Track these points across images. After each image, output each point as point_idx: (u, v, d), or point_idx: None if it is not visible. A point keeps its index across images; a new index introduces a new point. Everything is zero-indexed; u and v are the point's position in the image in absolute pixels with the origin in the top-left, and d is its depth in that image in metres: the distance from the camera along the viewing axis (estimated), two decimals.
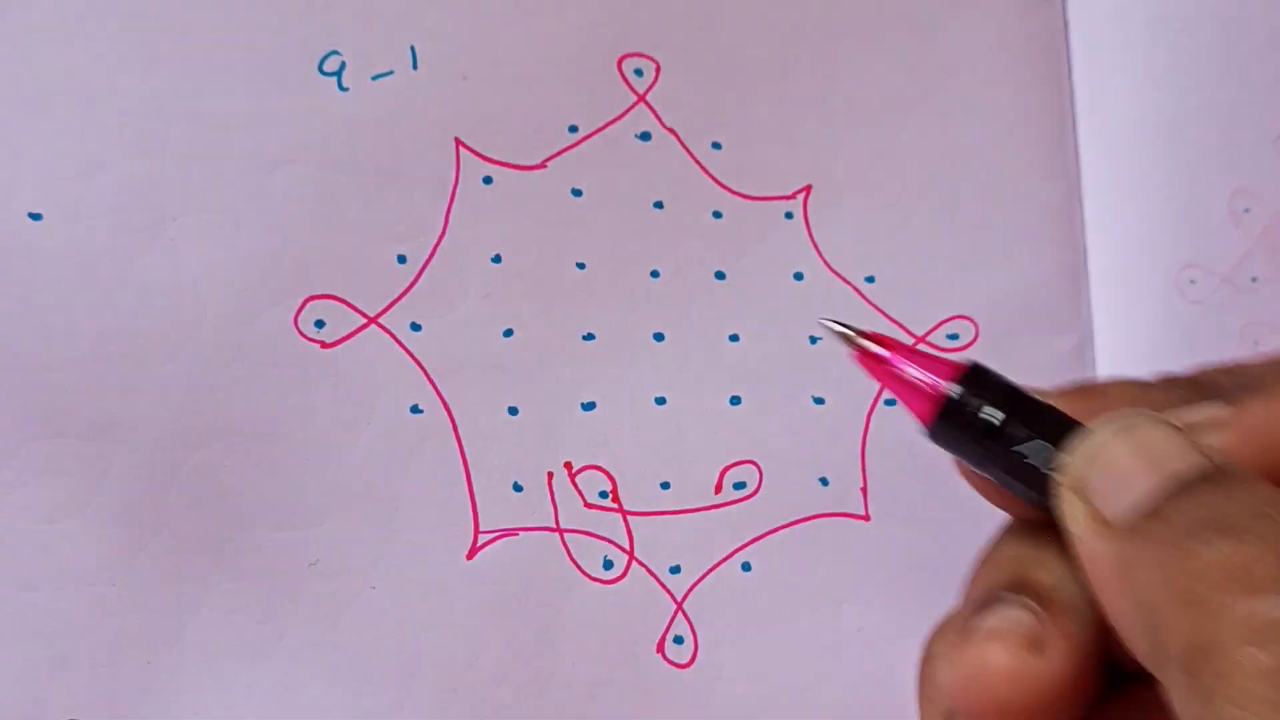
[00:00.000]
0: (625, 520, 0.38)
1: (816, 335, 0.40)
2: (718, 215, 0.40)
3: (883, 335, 0.30)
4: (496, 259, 0.38)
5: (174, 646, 0.34)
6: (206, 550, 0.34)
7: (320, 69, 0.37)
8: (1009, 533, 0.29)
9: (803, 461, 0.39)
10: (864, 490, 0.39)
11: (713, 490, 0.38)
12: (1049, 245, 0.42)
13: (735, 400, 0.39)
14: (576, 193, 0.39)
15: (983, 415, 0.28)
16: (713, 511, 0.38)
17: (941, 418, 0.29)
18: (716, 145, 0.40)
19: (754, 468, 0.39)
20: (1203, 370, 0.30)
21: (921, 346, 0.40)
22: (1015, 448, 0.28)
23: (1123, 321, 0.43)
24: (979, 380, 0.29)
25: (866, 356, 0.30)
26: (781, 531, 0.38)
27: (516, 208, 0.38)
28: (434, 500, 0.36)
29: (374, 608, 0.35)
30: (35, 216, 0.34)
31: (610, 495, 0.38)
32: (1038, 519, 0.28)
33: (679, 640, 0.37)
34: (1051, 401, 0.29)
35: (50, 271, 0.34)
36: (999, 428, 0.28)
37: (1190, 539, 0.23)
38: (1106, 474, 0.26)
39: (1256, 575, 0.22)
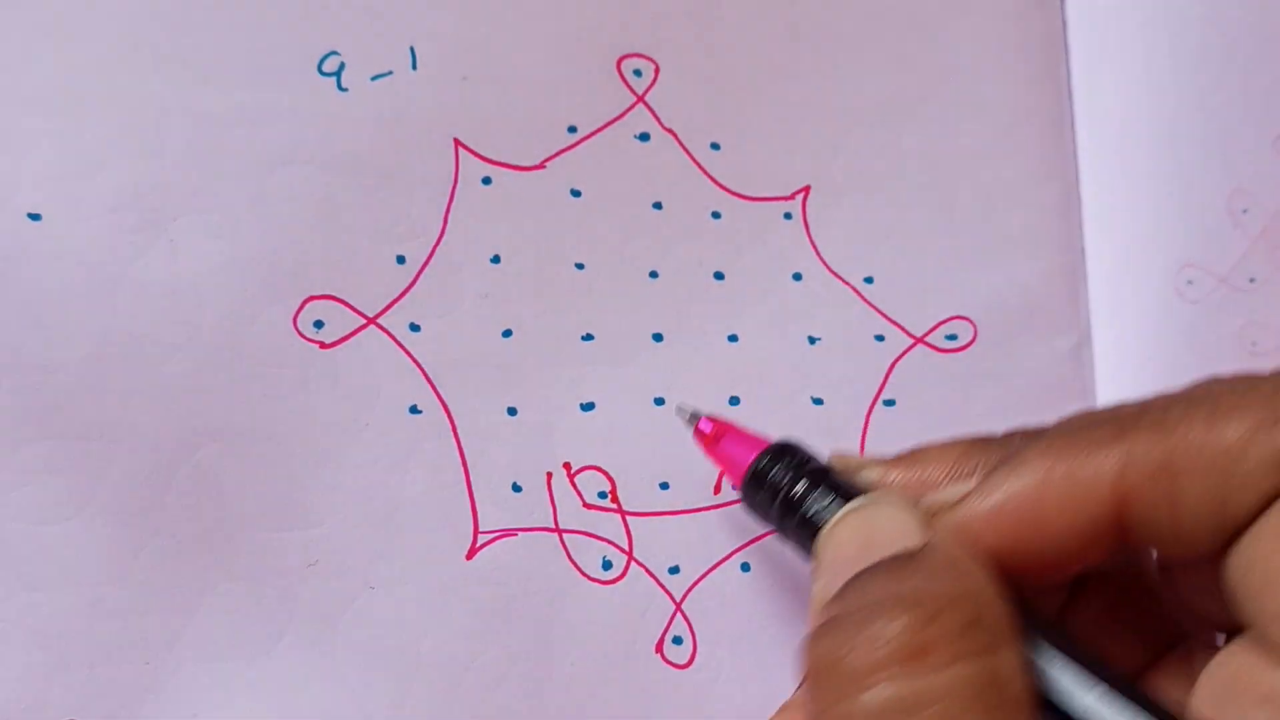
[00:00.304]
0: (624, 520, 0.38)
1: (816, 335, 0.40)
2: (717, 216, 0.40)
3: (718, 418, 0.35)
4: (495, 259, 0.38)
5: (173, 647, 0.34)
6: (206, 550, 0.34)
7: (319, 69, 0.37)
8: None
9: None
10: None
11: (712, 490, 0.38)
12: (1047, 246, 0.42)
13: (734, 400, 0.39)
14: (576, 193, 0.39)
15: (782, 487, 0.32)
16: (712, 512, 0.38)
17: (745, 489, 0.33)
18: (715, 146, 0.40)
19: None
20: (1011, 433, 0.31)
21: (920, 346, 0.40)
22: (809, 516, 0.31)
23: (1121, 322, 0.43)
24: (782, 456, 0.33)
25: (699, 434, 0.35)
26: None
27: (516, 208, 0.38)
28: (433, 500, 0.36)
29: (373, 608, 0.35)
30: (35, 217, 0.34)
31: (609, 495, 0.38)
32: None
33: (678, 641, 0.37)
34: (872, 466, 0.32)
35: (50, 271, 0.34)
36: (793, 499, 0.32)
37: (834, 625, 0.26)
38: (831, 557, 0.29)
39: (856, 666, 0.25)
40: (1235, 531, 0.27)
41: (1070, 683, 0.27)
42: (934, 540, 0.28)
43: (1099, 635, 0.31)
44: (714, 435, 0.35)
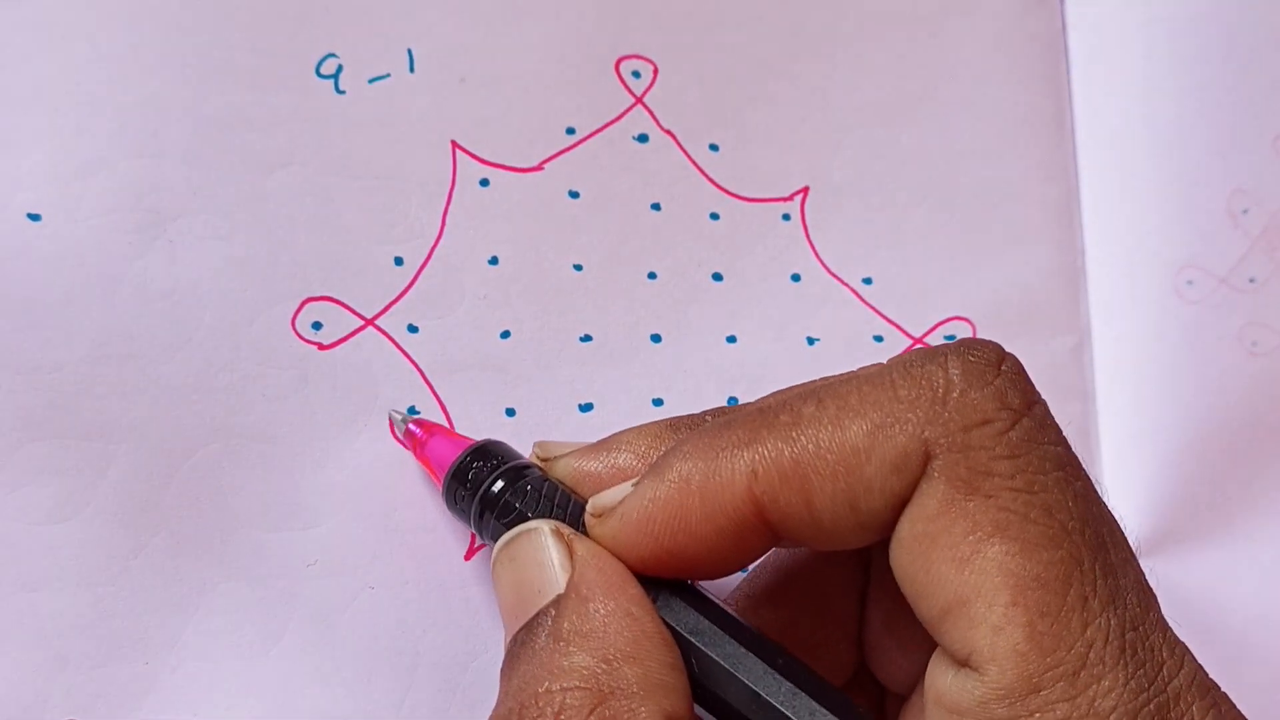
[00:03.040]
0: None
1: (814, 336, 0.40)
2: (715, 217, 0.40)
3: (426, 421, 0.35)
4: (493, 261, 0.38)
5: (173, 647, 0.34)
6: (205, 550, 0.34)
7: (317, 72, 0.37)
8: None
9: None
10: None
11: None
12: (1047, 246, 0.42)
13: (733, 401, 0.39)
14: (574, 194, 0.39)
15: (478, 487, 0.32)
16: None
17: (445, 489, 0.33)
18: (714, 147, 0.40)
19: None
20: (703, 414, 0.32)
21: (919, 347, 0.40)
22: (502, 520, 0.31)
23: (1121, 322, 0.43)
24: (482, 456, 0.33)
25: (409, 436, 0.35)
26: None
27: (514, 210, 0.38)
28: (432, 501, 0.36)
29: (373, 608, 0.35)
30: (34, 217, 0.34)
31: None
32: None
33: None
34: (568, 457, 0.32)
35: (50, 271, 0.34)
36: (488, 498, 0.32)
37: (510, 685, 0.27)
38: (499, 602, 0.30)
39: None
40: (875, 530, 0.27)
41: (723, 677, 0.28)
42: (574, 579, 0.28)
43: (896, 615, 0.31)
44: (421, 438, 0.35)
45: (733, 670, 0.28)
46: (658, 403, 0.38)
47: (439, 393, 0.37)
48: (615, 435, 0.32)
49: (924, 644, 0.29)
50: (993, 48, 0.43)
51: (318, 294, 0.36)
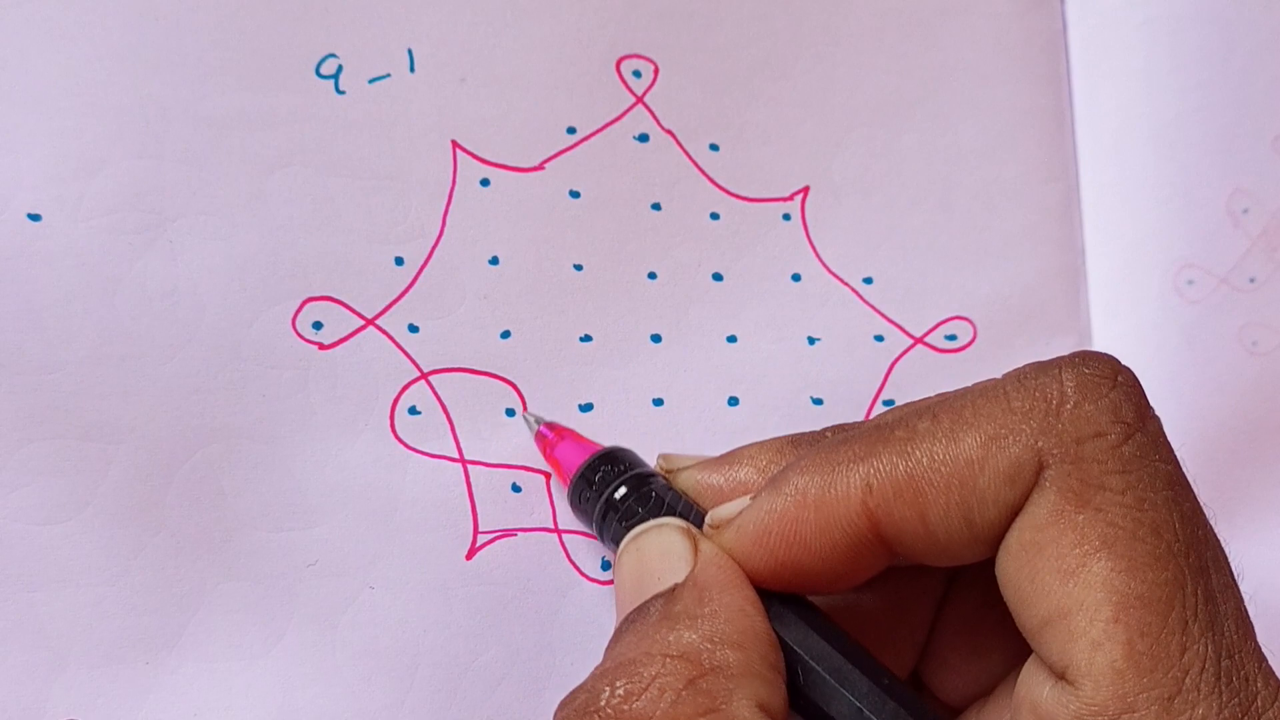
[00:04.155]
0: None
1: (815, 336, 0.40)
2: (715, 216, 0.40)
3: (558, 425, 0.36)
4: (494, 261, 0.38)
5: (173, 647, 0.34)
6: (206, 550, 0.34)
7: (317, 72, 0.37)
8: None
9: None
10: None
11: None
12: (1047, 246, 0.42)
13: (733, 401, 0.39)
14: (574, 194, 0.39)
15: (603, 493, 0.33)
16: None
17: (571, 493, 0.34)
18: (714, 147, 0.40)
19: None
20: (824, 431, 0.32)
21: (919, 347, 0.40)
22: (625, 524, 0.32)
23: (1121, 322, 0.43)
24: (609, 462, 0.34)
25: (539, 439, 0.36)
26: None
27: (514, 209, 0.38)
28: (433, 501, 0.36)
29: (373, 608, 0.35)
30: (35, 217, 0.34)
31: None
32: None
33: None
34: (691, 470, 0.32)
35: (50, 271, 0.34)
36: (612, 503, 0.33)
37: (572, 700, 0.27)
38: (618, 586, 0.30)
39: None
40: (989, 543, 0.27)
41: (829, 691, 0.28)
42: (695, 572, 0.28)
43: (972, 630, 0.31)
44: (552, 440, 0.36)
45: (839, 685, 0.28)
46: (658, 403, 0.38)
47: (439, 392, 0.37)
48: (738, 450, 0.32)
49: (993, 662, 0.29)
50: (993, 48, 0.43)
51: (318, 294, 0.36)
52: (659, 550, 0.30)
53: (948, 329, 0.41)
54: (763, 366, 0.39)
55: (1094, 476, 0.26)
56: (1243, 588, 0.28)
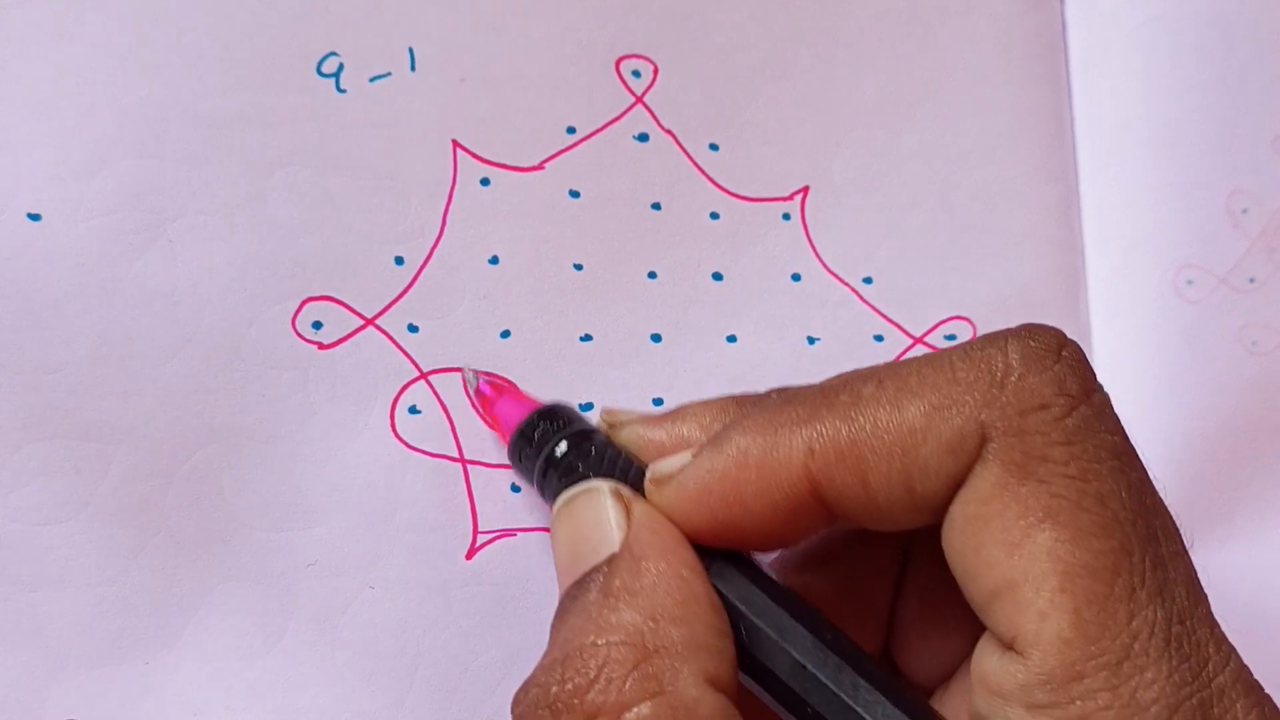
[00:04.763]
0: None
1: (815, 336, 0.40)
2: (715, 216, 0.40)
3: (498, 380, 0.36)
4: (494, 260, 0.38)
5: (173, 647, 0.34)
6: (205, 550, 0.34)
7: (318, 71, 0.37)
8: None
9: None
10: None
11: None
12: (1047, 246, 0.42)
13: None
14: (574, 194, 0.39)
15: (544, 449, 0.32)
16: None
17: (511, 448, 0.34)
18: (714, 146, 0.40)
19: None
20: (768, 393, 0.32)
21: (919, 347, 0.40)
22: (565, 480, 0.32)
23: (1120, 322, 0.43)
24: (549, 418, 0.33)
25: (479, 395, 0.36)
26: None
27: (514, 209, 0.38)
28: (432, 501, 0.36)
29: (373, 608, 0.35)
30: (35, 217, 0.34)
31: None
32: None
33: None
34: (634, 424, 0.32)
35: (50, 272, 0.34)
36: (552, 459, 0.32)
37: (525, 692, 0.27)
38: (555, 556, 0.30)
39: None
40: (930, 511, 0.28)
41: (770, 647, 0.28)
42: (629, 540, 0.28)
43: (932, 608, 0.31)
44: (491, 397, 0.35)
45: (781, 640, 0.28)
46: (658, 402, 0.38)
47: (439, 392, 0.37)
48: (682, 406, 0.32)
49: (955, 637, 0.29)
50: (993, 48, 0.43)
51: (318, 294, 0.36)
52: (591, 519, 0.29)
53: (947, 329, 0.41)
54: (762, 366, 0.39)
55: (1037, 448, 0.26)
56: (1243, 588, 0.28)
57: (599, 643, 0.26)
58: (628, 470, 0.31)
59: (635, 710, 0.26)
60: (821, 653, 0.28)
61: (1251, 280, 0.43)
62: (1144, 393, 0.42)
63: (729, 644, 0.27)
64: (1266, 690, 0.27)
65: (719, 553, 0.29)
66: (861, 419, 0.27)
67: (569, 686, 0.26)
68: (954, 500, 0.27)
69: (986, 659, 0.27)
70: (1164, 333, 0.42)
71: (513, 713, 0.27)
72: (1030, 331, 0.28)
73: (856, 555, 0.32)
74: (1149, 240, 0.43)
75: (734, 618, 0.28)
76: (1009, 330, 0.28)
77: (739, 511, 0.28)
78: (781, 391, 0.31)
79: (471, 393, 0.36)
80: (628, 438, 0.32)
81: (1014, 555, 0.26)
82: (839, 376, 0.29)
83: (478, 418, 0.36)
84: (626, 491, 0.30)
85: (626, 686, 0.26)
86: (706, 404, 0.32)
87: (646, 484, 0.30)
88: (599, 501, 0.30)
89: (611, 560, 0.28)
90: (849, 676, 0.28)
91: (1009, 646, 0.26)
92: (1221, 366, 0.42)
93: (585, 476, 0.31)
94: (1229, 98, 0.44)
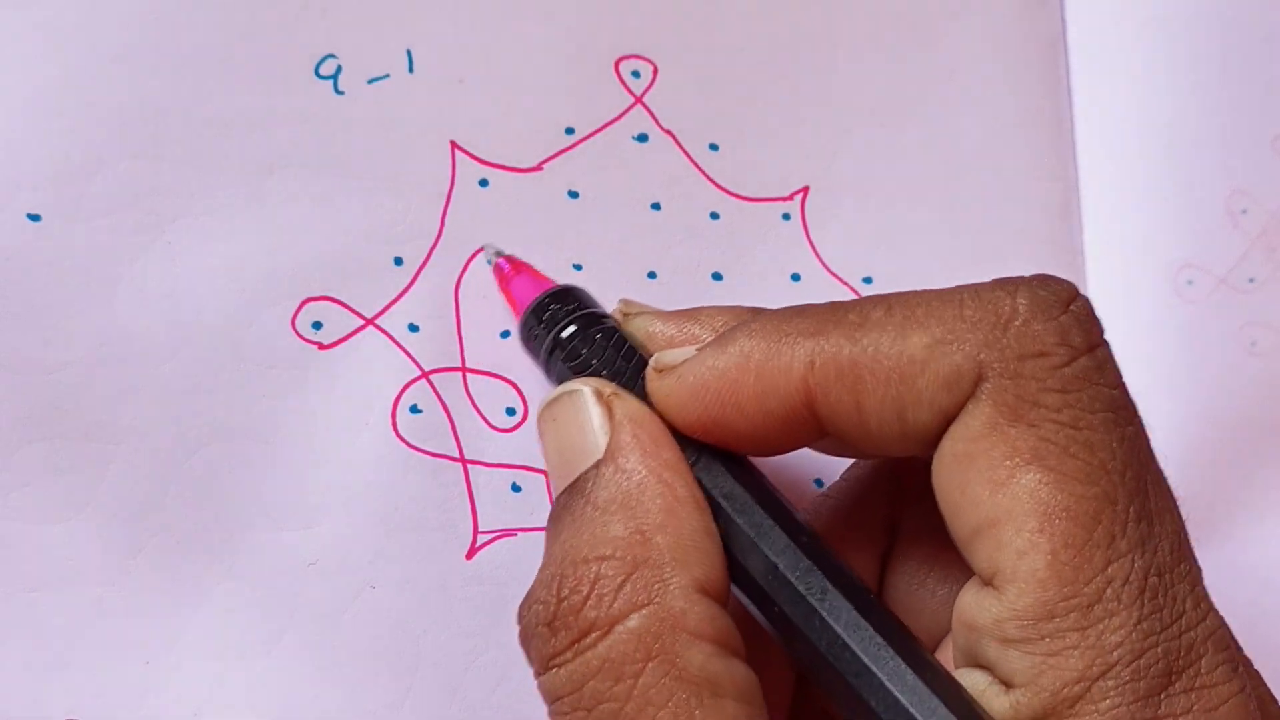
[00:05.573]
0: None
1: None
2: (715, 216, 0.40)
3: (516, 259, 0.36)
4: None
5: (173, 647, 0.34)
6: (206, 550, 0.34)
7: (316, 72, 0.37)
8: None
9: (799, 462, 0.39)
10: None
11: None
12: (1046, 246, 0.42)
13: None
14: (573, 194, 0.39)
15: (552, 330, 0.32)
16: None
17: (521, 325, 0.34)
18: (714, 146, 0.40)
19: None
20: (785, 309, 0.31)
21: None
22: (569, 364, 0.32)
23: (1120, 321, 0.42)
24: (559, 299, 0.33)
25: (497, 270, 0.36)
26: None
27: (513, 210, 0.38)
28: (433, 501, 0.36)
29: (373, 608, 0.35)
30: (34, 217, 0.34)
31: None
32: None
33: None
34: (647, 316, 0.32)
35: (50, 272, 0.34)
36: (561, 341, 0.32)
37: (524, 608, 0.28)
38: (545, 457, 0.31)
39: (538, 654, 0.28)
40: (919, 443, 0.28)
41: (746, 545, 0.28)
42: (612, 444, 0.29)
43: (926, 553, 0.31)
44: (509, 274, 0.35)
45: (755, 539, 0.28)
46: None
47: (440, 392, 0.37)
48: (698, 308, 0.32)
49: (950, 584, 0.30)
50: (992, 48, 0.43)
51: (318, 294, 0.36)
52: (574, 422, 0.30)
53: None
54: None
55: (1031, 393, 0.26)
56: (1243, 588, 0.28)
57: (590, 558, 0.27)
58: (630, 359, 0.31)
59: (624, 624, 0.26)
60: (794, 555, 0.28)
61: (1251, 280, 0.43)
62: (1143, 392, 0.42)
63: (716, 544, 0.28)
64: (1267, 688, 0.27)
65: (707, 448, 0.29)
66: (865, 341, 0.27)
67: (564, 605, 0.27)
68: (945, 437, 0.27)
69: (966, 594, 0.27)
70: (1164, 332, 0.42)
71: (518, 626, 0.28)
72: (1043, 281, 0.28)
73: (851, 497, 0.33)
74: (1149, 240, 0.43)
75: (716, 514, 0.28)
76: (1023, 278, 0.28)
77: (733, 412, 0.29)
78: (792, 307, 0.31)
79: (491, 269, 0.36)
80: (637, 327, 0.32)
81: (998, 494, 0.26)
82: (855, 300, 0.30)
83: (478, 414, 0.36)
84: (609, 389, 0.30)
85: (617, 601, 0.26)
86: (723, 309, 0.32)
87: (648, 372, 0.30)
88: (580, 403, 0.30)
89: (598, 467, 0.29)
90: (819, 580, 0.28)
91: (988, 583, 0.26)
92: (1221, 366, 0.42)
93: (588, 362, 0.31)
94: (1229, 98, 0.44)
